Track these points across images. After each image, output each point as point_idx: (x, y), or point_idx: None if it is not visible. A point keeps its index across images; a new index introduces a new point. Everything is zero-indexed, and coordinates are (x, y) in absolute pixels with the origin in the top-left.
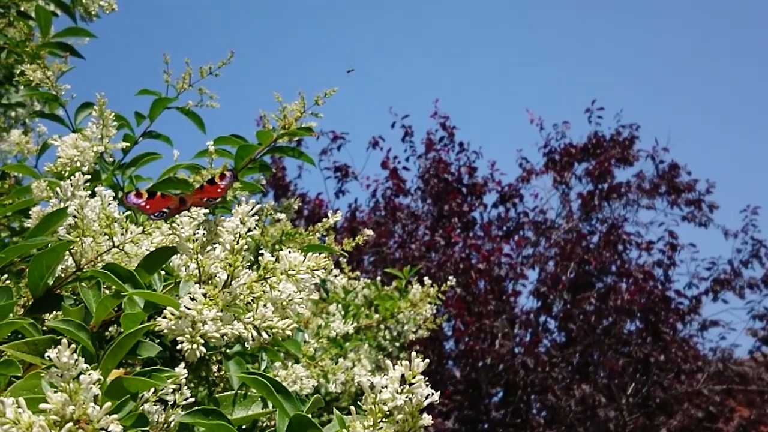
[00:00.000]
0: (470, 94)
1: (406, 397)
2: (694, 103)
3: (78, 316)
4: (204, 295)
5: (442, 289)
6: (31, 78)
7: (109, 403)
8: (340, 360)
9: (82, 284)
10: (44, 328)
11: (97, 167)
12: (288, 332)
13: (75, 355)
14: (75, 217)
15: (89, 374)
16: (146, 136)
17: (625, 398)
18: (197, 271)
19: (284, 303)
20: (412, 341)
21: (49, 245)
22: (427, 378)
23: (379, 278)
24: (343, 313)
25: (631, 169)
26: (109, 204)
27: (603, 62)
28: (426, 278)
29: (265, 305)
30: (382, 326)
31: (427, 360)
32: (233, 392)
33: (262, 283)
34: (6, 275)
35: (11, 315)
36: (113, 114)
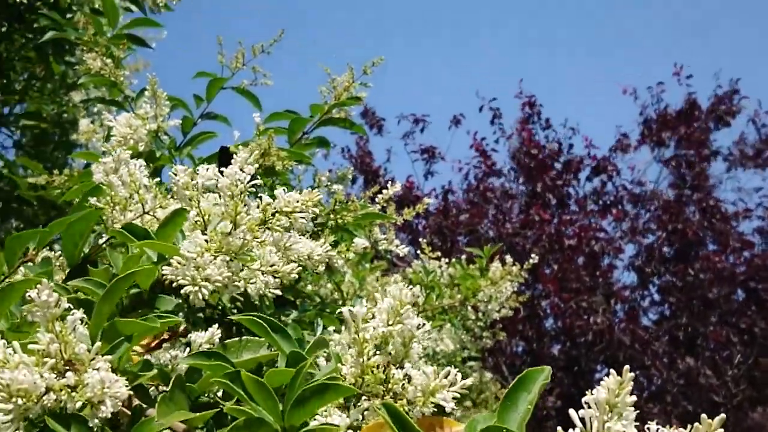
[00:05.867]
0: (559, 68)
1: (400, 328)
2: None
3: (104, 277)
4: (206, 241)
5: (525, 267)
6: (91, 66)
7: (99, 343)
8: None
9: (112, 248)
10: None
11: (154, 146)
12: (294, 275)
13: (55, 294)
14: (102, 185)
15: (73, 313)
16: (204, 118)
17: (731, 370)
18: (201, 219)
19: (286, 245)
20: (496, 320)
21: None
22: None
23: (464, 257)
24: (425, 293)
25: (731, 134)
26: (140, 171)
27: (705, 23)
28: (508, 256)
29: (271, 251)
30: (468, 306)
31: (416, 289)
32: (242, 338)
33: (263, 228)
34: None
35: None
36: (165, 94)
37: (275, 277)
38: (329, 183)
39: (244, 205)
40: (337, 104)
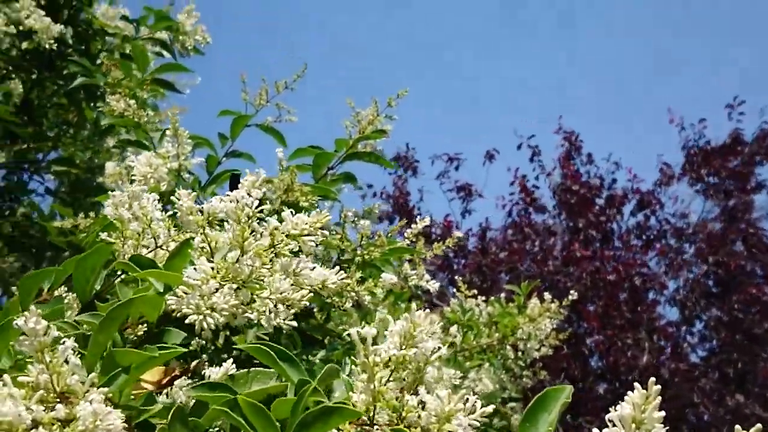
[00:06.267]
0: (598, 99)
1: (414, 352)
2: None
3: None
4: (212, 268)
5: (564, 304)
6: (114, 108)
7: (94, 374)
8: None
9: (123, 284)
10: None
11: (177, 186)
12: (305, 302)
13: (44, 322)
14: (113, 220)
15: (63, 341)
16: (229, 156)
17: None
18: (207, 245)
19: (295, 270)
20: (536, 359)
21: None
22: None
23: (503, 295)
24: (463, 332)
25: None
26: (153, 205)
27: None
28: (547, 293)
29: (280, 277)
30: (508, 346)
31: (453, 328)
32: (250, 370)
33: (271, 252)
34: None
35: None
36: (187, 132)
37: (286, 306)
38: (356, 219)
39: (252, 231)
40: (361, 138)
